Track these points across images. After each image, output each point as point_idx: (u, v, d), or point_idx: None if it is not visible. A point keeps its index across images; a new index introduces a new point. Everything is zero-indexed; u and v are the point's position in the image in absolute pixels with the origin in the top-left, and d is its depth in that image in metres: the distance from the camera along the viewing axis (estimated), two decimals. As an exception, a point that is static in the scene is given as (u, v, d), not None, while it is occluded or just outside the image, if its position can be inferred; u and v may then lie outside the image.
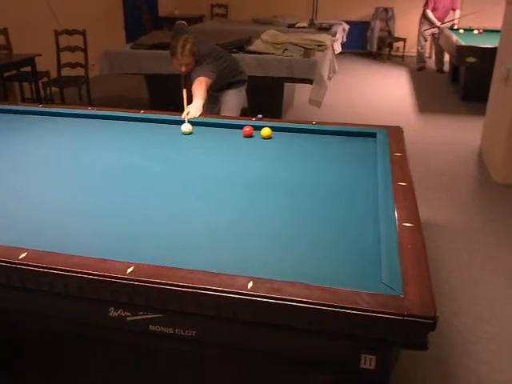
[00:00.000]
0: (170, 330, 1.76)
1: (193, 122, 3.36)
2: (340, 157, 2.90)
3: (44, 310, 1.93)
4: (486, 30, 8.96)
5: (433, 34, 10.12)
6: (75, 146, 3.06)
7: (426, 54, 10.89)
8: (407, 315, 1.47)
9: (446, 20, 9.76)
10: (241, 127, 3.24)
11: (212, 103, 4.69)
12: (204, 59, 4.30)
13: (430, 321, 1.46)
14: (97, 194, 2.42)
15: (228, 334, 1.75)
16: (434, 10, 9.75)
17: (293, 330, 1.62)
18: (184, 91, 3.96)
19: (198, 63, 4.26)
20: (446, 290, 3.39)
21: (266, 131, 3.16)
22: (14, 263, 1.76)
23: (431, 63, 10.74)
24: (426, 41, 10.33)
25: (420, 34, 10.20)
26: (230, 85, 4.71)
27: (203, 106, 3.80)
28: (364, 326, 1.53)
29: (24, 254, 1.78)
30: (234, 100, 4.74)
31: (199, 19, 11.52)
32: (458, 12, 9.72)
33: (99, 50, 6.63)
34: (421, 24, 10.15)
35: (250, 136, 3.19)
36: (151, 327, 1.77)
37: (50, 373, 2.68)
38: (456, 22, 9.60)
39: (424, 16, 9.99)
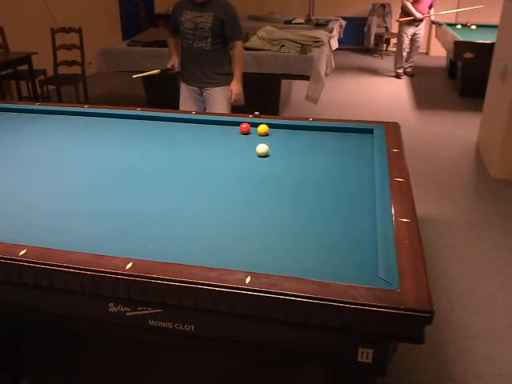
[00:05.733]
0: (169, 325, 1.77)
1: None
2: (337, 153, 2.91)
3: (44, 306, 1.93)
4: (482, 26, 8.96)
5: (413, 35, 9.23)
6: (72, 143, 3.06)
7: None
8: (404, 309, 1.49)
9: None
10: (237, 124, 3.25)
11: (195, 101, 4.59)
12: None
13: (427, 314, 1.48)
14: (94, 192, 2.43)
15: (226, 328, 1.77)
16: (414, 3, 8.87)
17: (290, 324, 1.64)
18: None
19: None
20: (442, 285, 3.40)
21: (262, 128, 3.16)
22: (14, 260, 1.77)
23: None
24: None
25: (403, 33, 9.27)
26: (215, 78, 4.49)
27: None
28: (361, 319, 1.54)
29: (24, 251, 1.79)
30: (221, 99, 4.53)
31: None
32: (432, 10, 9.09)
33: (96, 47, 6.64)
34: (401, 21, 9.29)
35: (248, 133, 3.20)
36: (150, 322, 1.78)
37: (49, 370, 2.69)
38: (433, 17, 9.26)
39: (403, 10, 9.18)
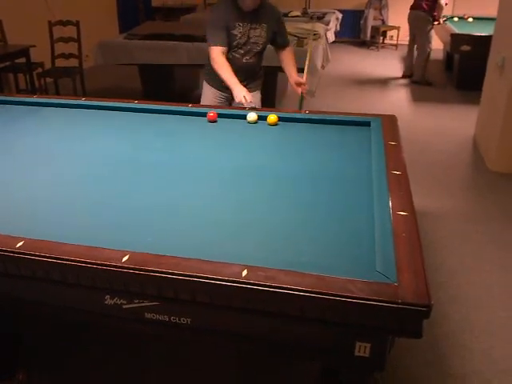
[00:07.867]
0: (166, 318, 1.77)
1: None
2: (334, 146, 2.90)
3: (41, 298, 1.94)
4: (479, 18, 8.94)
5: None
6: (69, 136, 3.05)
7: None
8: (401, 303, 1.47)
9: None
10: (235, 117, 3.26)
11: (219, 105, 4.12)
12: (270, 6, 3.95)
13: (425, 308, 1.46)
14: (91, 184, 2.42)
15: (222, 322, 1.76)
16: None
17: (287, 318, 1.63)
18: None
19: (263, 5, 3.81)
20: (440, 279, 3.40)
21: (272, 118, 3.16)
22: (12, 252, 1.76)
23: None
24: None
25: (431, 36, 8.35)
26: (251, 85, 4.06)
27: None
28: (358, 313, 1.53)
29: (21, 243, 1.78)
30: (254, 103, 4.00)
31: (192, 9, 11.45)
32: None
33: (93, 40, 6.62)
34: (428, 24, 8.24)
35: (215, 121, 3.23)
36: (147, 315, 1.77)
37: (46, 363, 2.69)
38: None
39: (430, 13, 8.08)
